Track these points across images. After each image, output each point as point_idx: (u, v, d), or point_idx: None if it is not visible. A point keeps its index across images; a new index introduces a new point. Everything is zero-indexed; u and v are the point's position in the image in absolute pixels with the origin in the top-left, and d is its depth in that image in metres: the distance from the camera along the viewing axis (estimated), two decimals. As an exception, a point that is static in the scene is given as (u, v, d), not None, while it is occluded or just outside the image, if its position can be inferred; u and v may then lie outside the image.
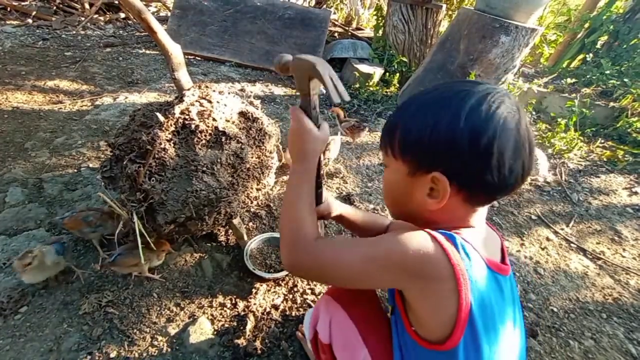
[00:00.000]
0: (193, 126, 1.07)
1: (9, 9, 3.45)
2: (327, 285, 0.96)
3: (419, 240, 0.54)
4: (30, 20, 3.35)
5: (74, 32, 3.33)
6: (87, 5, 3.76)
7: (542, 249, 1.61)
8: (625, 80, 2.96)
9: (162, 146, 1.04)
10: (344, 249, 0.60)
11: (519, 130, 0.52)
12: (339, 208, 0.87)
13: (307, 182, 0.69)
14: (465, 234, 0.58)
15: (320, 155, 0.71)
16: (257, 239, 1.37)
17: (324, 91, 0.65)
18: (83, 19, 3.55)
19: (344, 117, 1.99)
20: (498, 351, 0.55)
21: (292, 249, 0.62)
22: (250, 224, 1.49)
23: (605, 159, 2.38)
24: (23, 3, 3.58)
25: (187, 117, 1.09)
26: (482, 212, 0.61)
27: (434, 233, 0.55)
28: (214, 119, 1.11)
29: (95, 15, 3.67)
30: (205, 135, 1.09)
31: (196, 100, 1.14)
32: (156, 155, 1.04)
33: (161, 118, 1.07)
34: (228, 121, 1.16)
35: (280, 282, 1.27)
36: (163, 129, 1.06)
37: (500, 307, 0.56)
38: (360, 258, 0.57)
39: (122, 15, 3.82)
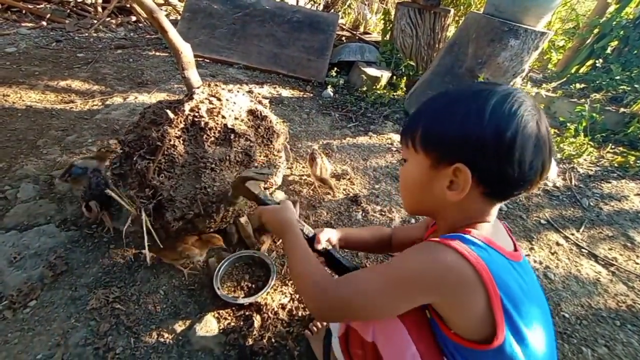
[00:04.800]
0: (202, 123, 1.08)
1: (24, 11, 3.53)
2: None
3: (434, 252, 0.55)
4: (44, 23, 3.43)
5: (87, 34, 3.40)
6: (99, 9, 3.85)
7: (552, 254, 1.58)
8: (636, 86, 2.92)
9: (172, 143, 1.05)
10: (364, 282, 0.61)
11: (540, 129, 0.55)
12: (336, 236, 0.93)
13: (298, 246, 0.78)
14: (479, 229, 0.59)
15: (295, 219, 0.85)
16: (225, 263, 1.23)
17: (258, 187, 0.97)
18: (95, 21, 3.62)
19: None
20: (537, 333, 0.56)
21: (313, 302, 0.67)
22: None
23: (616, 165, 2.34)
24: (38, 6, 3.67)
25: (196, 114, 1.10)
26: (496, 208, 0.62)
27: (444, 240, 0.55)
28: (223, 117, 1.12)
29: (108, 19, 3.75)
30: (214, 133, 1.10)
31: (206, 98, 1.15)
32: (166, 152, 1.04)
33: (171, 115, 1.08)
34: (237, 119, 1.16)
35: (287, 281, 1.26)
36: (173, 125, 1.07)
37: (525, 292, 0.56)
38: (383, 285, 0.58)
39: (133, 18, 3.89)
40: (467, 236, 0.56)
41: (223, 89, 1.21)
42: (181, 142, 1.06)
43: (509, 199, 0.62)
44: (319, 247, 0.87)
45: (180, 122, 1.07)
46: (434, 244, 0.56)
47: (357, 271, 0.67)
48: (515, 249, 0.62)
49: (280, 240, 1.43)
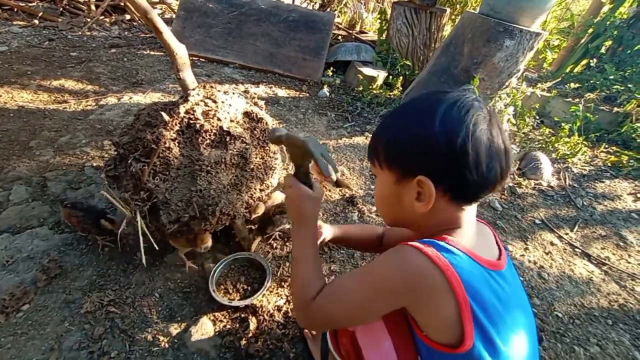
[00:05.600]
0: (198, 126, 1.07)
1: (16, 9, 3.48)
2: None
3: (405, 255, 0.56)
4: (36, 21, 3.38)
5: (80, 33, 3.36)
6: (93, 7, 3.80)
7: (546, 254, 1.60)
8: (630, 85, 2.96)
9: (167, 145, 1.04)
10: (342, 294, 0.64)
11: (491, 130, 0.56)
12: (331, 232, 0.94)
13: (311, 244, 0.74)
14: (453, 236, 0.60)
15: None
16: (221, 265, 1.24)
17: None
18: (89, 20, 3.58)
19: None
20: (513, 345, 0.56)
21: (300, 312, 0.70)
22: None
23: (609, 164, 2.37)
24: (30, 4, 3.61)
25: (192, 116, 1.09)
26: (470, 210, 0.63)
27: (416, 244, 0.56)
28: (218, 119, 1.11)
29: (101, 17, 3.71)
30: (209, 135, 1.09)
31: (201, 100, 1.14)
32: (161, 155, 1.04)
33: (166, 117, 1.07)
34: (233, 121, 1.16)
35: (283, 283, 1.26)
36: (168, 128, 1.06)
37: (503, 301, 0.56)
38: (359, 296, 0.61)
39: (128, 17, 3.85)
40: (442, 243, 0.57)
41: (219, 90, 1.20)
42: (176, 144, 1.05)
43: (477, 201, 0.63)
44: None
45: (176, 124, 1.06)
46: (407, 247, 0.57)
47: (335, 281, 0.68)
48: (500, 257, 0.63)
49: (273, 240, 1.43)
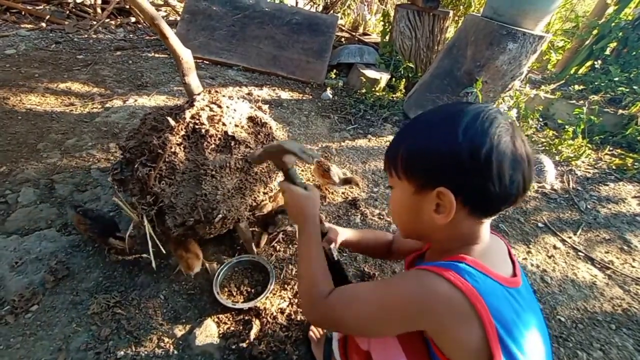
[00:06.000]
0: (203, 130, 1.09)
1: (23, 13, 3.53)
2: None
3: (426, 281, 0.55)
4: (44, 24, 3.42)
5: (86, 35, 3.40)
6: (99, 10, 3.84)
7: (549, 257, 1.60)
8: (635, 87, 2.94)
9: (173, 150, 1.06)
10: (357, 303, 0.63)
11: (515, 142, 0.55)
12: (342, 235, 0.93)
13: (315, 243, 0.76)
14: (473, 253, 0.59)
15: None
16: (225, 268, 1.26)
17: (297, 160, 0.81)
18: (95, 23, 3.62)
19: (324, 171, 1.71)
20: (532, 355, 0.56)
21: (307, 307, 0.72)
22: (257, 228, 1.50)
23: (614, 167, 2.35)
24: (37, 7, 3.67)
25: (197, 121, 1.11)
26: (487, 224, 0.62)
27: (436, 268, 0.56)
28: (223, 124, 1.13)
29: (107, 20, 3.75)
30: (214, 140, 1.11)
31: (206, 105, 1.16)
32: (167, 159, 1.05)
33: (172, 122, 1.09)
34: (237, 126, 1.17)
35: (286, 286, 1.28)
36: (174, 133, 1.07)
37: (520, 315, 0.56)
38: (373, 311, 0.60)
39: (133, 19, 3.89)
40: (462, 265, 0.56)
41: (224, 95, 1.22)
42: (182, 149, 1.07)
43: (497, 215, 0.62)
44: (325, 245, 0.88)
45: (181, 129, 1.08)
46: (428, 272, 0.56)
47: (353, 287, 0.68)
48: (515, 273, 0.62)
49: (276, 243, 1.45)
